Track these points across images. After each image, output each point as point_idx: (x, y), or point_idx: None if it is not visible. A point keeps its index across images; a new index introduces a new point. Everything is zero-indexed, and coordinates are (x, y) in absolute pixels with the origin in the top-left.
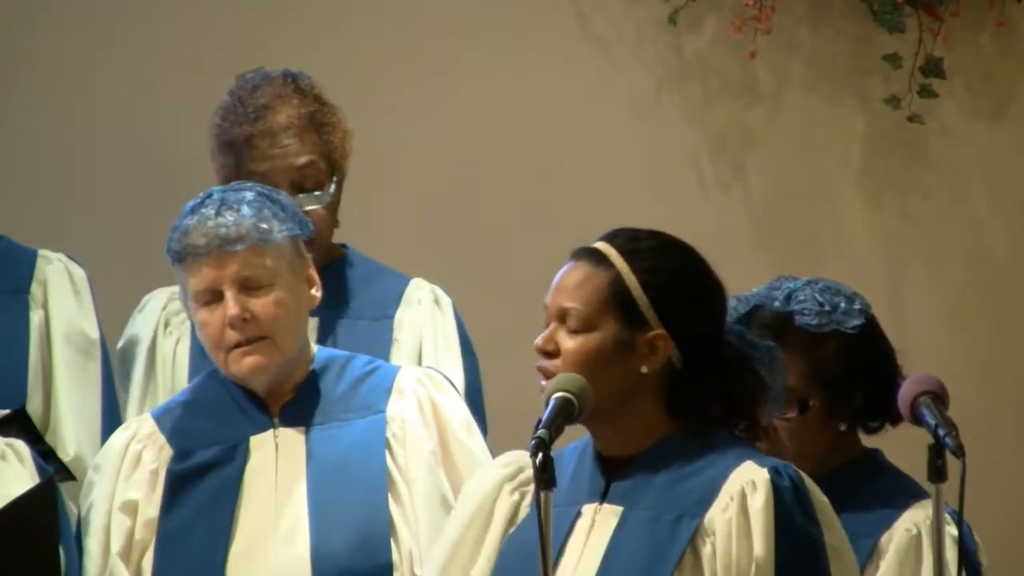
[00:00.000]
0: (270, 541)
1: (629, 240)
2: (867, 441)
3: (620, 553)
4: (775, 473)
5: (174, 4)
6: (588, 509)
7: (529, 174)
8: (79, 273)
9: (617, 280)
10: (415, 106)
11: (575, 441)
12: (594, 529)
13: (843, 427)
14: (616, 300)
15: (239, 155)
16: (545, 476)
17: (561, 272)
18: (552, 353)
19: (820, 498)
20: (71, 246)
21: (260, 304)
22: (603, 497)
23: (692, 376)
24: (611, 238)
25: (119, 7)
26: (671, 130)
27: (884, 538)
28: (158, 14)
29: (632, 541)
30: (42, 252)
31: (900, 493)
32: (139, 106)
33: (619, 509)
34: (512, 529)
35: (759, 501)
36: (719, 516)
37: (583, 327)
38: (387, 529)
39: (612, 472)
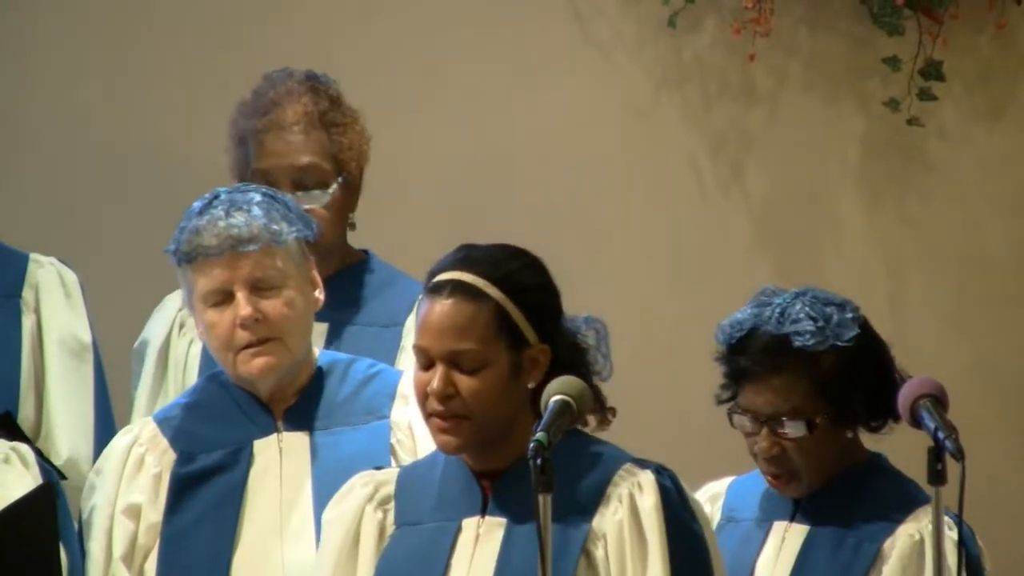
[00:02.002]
0: (275, 545)
1: (492, 266)
2: (869, 444)
3: (512, 564)
4: (658, 474)
5: (195, 4)
6: (469, 523)
7: (528, 176)
8: (71, 277)
9: (499, 310)
10: (414, 111)
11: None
12: (479, 543)
13: (849, 434)
14: (503, 330)
15: (246, 149)
16: (544, 479)
17: (435, 312)
18: (450, 396)
19: (693, 496)
20: (75, 248)
21: (271, 305)
22: (483, 511)
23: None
24: (470, 265)
25: (139, 7)
26: (670, 132)
27: (887, 543)
28: (177, 15)
29: (522, 551)
30: (33, 256)
31: (903, 498)
32: (150, 107)
33: (503, 521)
34: (385, 545)
35: (649, 501)
36: (610, 519)
37: (480, 365)
38: None
39: (487, 485)
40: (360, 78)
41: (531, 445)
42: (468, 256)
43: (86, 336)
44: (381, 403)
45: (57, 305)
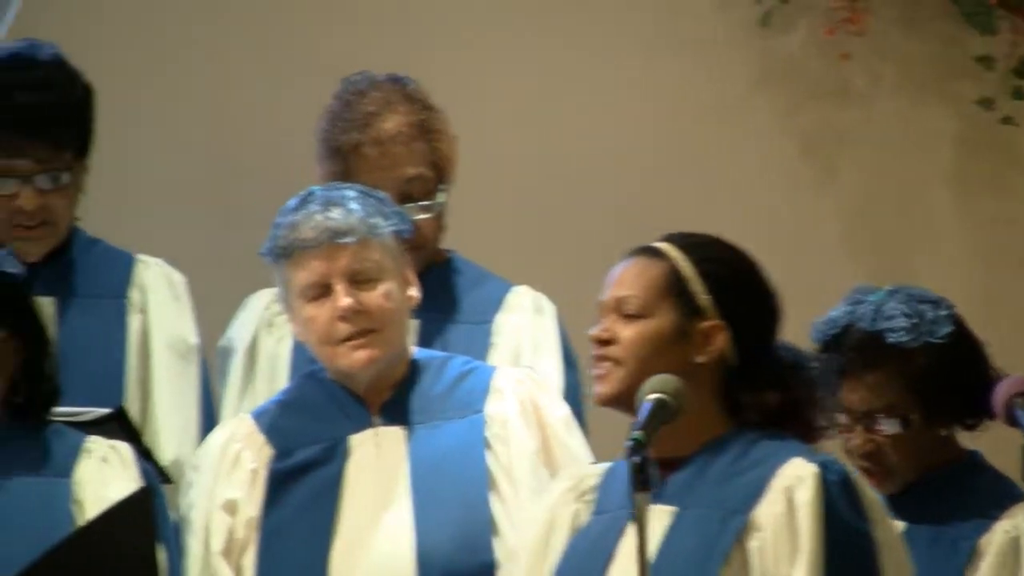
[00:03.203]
0: (372, 539)
1: (684, 236)
2: (965, 442)
3: (671, 552)
4: (823, 468)
5: (275, 6)
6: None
7: (620, 177)
8: (178, 278)
9: (673, 270)
10: (504, 110)
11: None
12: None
13: (944, 432)
14: (673, 288)
15: (347, 163)
16: (642, 477)
17: (616, 269)
18: (608, 341)
19: (869, 493)
20: (167, 250)
21: (369, 297)
22: (657, 499)
23: (748, 374)
24: (666, 237)
25: (220, 9)
26: (762, 132)
27: (983, 540)
28: (259, 17)
29: (683, 540)
30: (140, 257)
31: (999, 495)
32: (237, 110)
33: (672, 509)
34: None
35: (805, 495)
36: (766, 511)
37: (640, 313)
38: (489, 528)
39: (666, 474)
40: (441, 78)
41: (627, 443)
42: (672, 233)
43: (193, 338)
44: (476, 397)
45: (165, 306)
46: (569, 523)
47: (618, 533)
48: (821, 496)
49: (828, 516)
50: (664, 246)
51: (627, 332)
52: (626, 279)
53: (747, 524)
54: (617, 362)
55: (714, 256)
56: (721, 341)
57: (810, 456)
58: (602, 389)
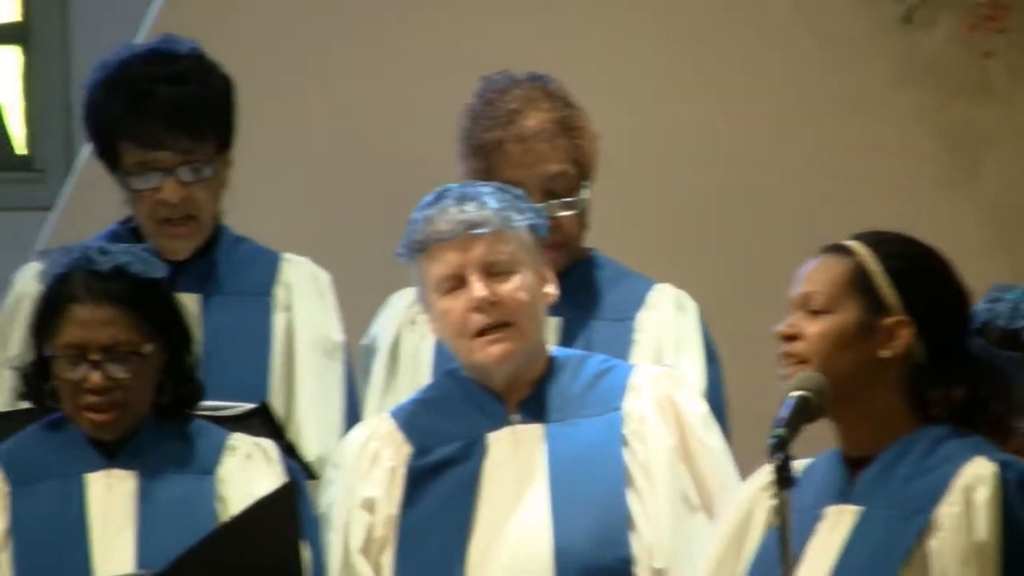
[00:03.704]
0: (510, 536)
1: (873, 234)
2: None
3: (854, 551)
4: (1003, 467)
5: (419, 5)
6: (831, 510)
7: (760, 175)
8: (324, 277)
9: (859, 266)
10: (642, 108)
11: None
12: (834, 529)
13: None
14: (858, 284)
15: (489, 160)
16: (784, 475)
17: (805, 265)
18: (793, 337)
19: None
20: (311, 248)
21: (504, 288)
22: (846, 498)
23: (935, 371)
24: (855, 235)
25: (360, 7)
26: (903, 129)
27: None
28: (398, 15)
29: (866, 540)
30: (286, 255)
31: None
32: (379, 108)
33: (858, 508)
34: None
35: (984, 494)
36: (946, 511)
37: (825, 309)
38: (626, 524)
39: (856, 473)
40: (579, 77)
41: (769, 441)
42: (861, 232)
43: (337, 335)
44: (614, 395)
45: (310, 304)
46: (765, 519)
47: (809, 532)
48: (999, 495)
49: (1006, 516)
50: (852, 243)
51: (812, 328)
52: (812, 276)
53: (929, 524)
54: (804, 360)
55: (902, 253)
56: (906, 337)
57: (991, 455)
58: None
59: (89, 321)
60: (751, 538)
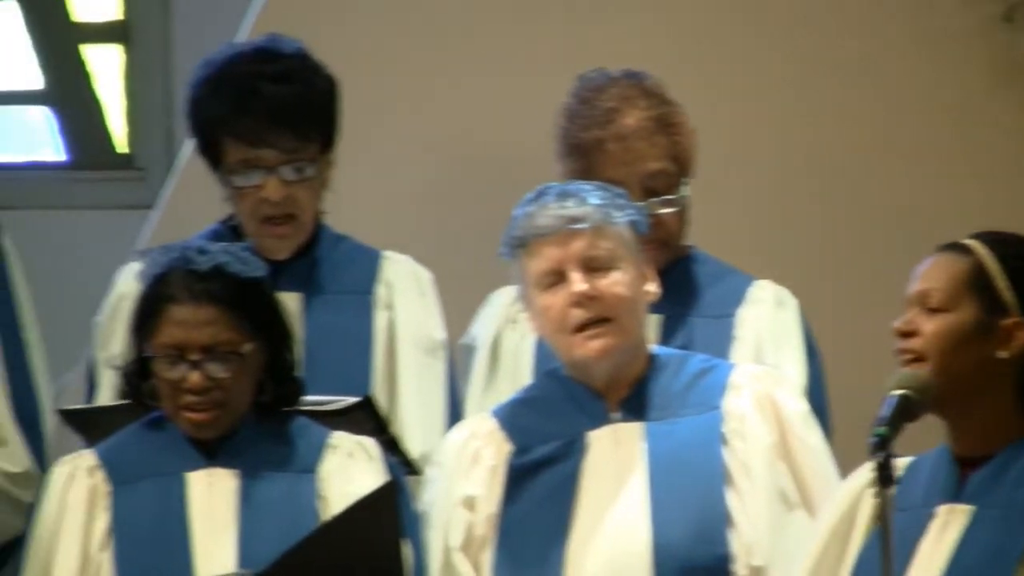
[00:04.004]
0: (609, 533)
1: (993, 234)
2: None
3: (967, 551)
4: None
5: (519, 5)
6: (942, 510)
7: (863, 174)
8: (425, 275)
9: (978, 265)
10: (746, 106)
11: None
12: (946, 529)
13: None
14: (976, 283)
15: (588, 159)
16: (885, 474)
17: (924, 262)
18: (910, 334)
19: None
20: (413, 247)
21: (604, 283)
22: (956, 497)
23: None
24: (975, 235)
25: (466, 9)
26: (1004, 130)
27: None
28: (499, 15)
29: (979, 540)
30: (386, 254)
31: None
32: (480, 107)
33: (971, 508)
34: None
35: None
36: None
37: (942, 307)
38: (725, 522)
39: (967, 472)
40: (680, 74)
41: (871, 440)
42: (980, 232)
43: (438, 334)
44: (714, 394)
45: (411, 302)
46: (869, 518)
47: (919, 532)
48: None
49: None
50: (971, 243)
51: (929, 326)
52: (931, 273)
53: None
54: (919, 358)
55: (1021, 254)
56: (1022, 336)
57: None
58: None
59: (188, 321)
60: (855, 537)
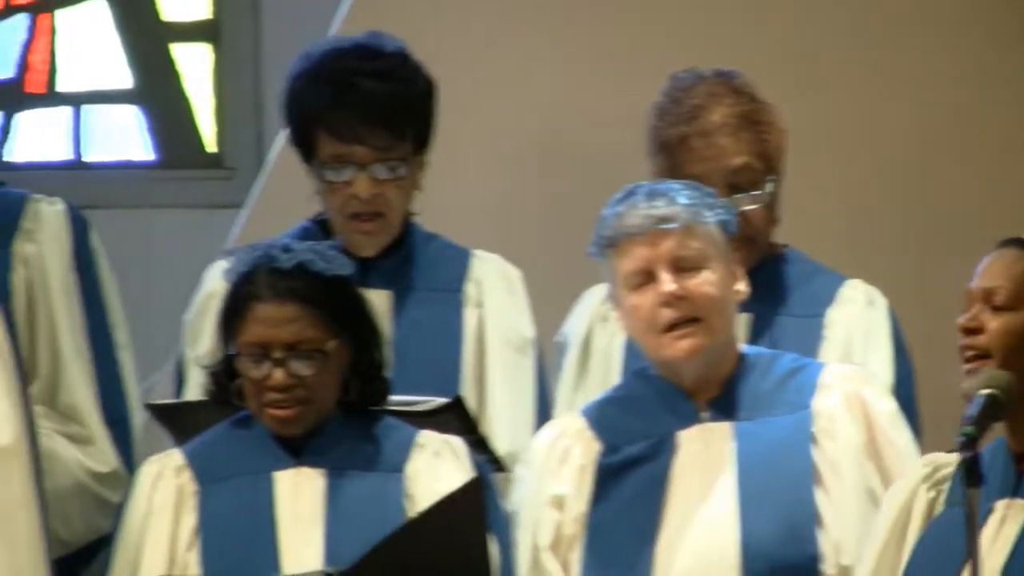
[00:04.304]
0: (697, 533)
1: None
2: None
3: None
4: None
5: (611, 4)
6: (1000, 505)
7: (949, 174)
8: (514, 273)
9: None
10: (829, 103)
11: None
12: (1005, 524)
13: None
14: None
15: (674, 156)
16: (974, 473)
17: (987, 259)
18: (975, 331)
19: None
20: (505, 246)
21: (693, 284)
22: (1015, 493)
23: None
24: None
25: (557, 10)
26: None
27: None
28: (591, 13)
29: None
30: (476, 252)
31: None
32: (572, 106)
33: None
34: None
35: None
36: None
37: (1009, 305)
38: (814, 521)
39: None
40: (789, 76)
41: (959, 439)
42: None
43: (528, 332)
44: (804, 394)
45: (501, 300)
46: (924, 511)
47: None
48: None
49: None
50: None
51: (995, 323)
52: (995, 269)
53: None
54: (985, 355)
55: None
56: None
57: None
58: (967, 385)
59: (271, 319)
60: (911, 532)
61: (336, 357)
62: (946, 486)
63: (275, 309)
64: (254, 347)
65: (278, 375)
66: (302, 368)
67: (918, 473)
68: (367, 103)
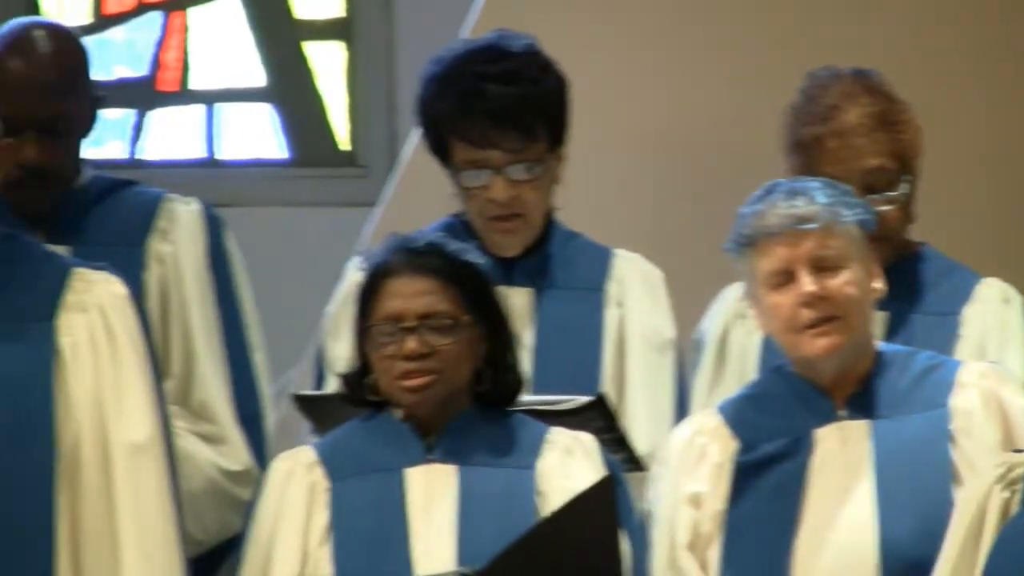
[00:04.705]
0: (835, 532)
1: None
2: None
3: None
4: None
5: (749, 3)
6: None
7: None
8: (656, 273)
9: None
10: (970, 102)
11: None
12: None
13: None
14: None
15: (809, 155)
16: None
17: None
18: None
19: None
20: (646, 245)
21: (833, 283)
22: None
23: None
24: None
25: (697, 8)
26: None
27: None
28: (734, 13)
29: None
30: (618, 251)
31: None
32: (711, 104)
33: None
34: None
35: None
36: None
37: None
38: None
39: None
40: (919, 75)
41: None
42: None
43: (669, 332)
44: (941, 392)
45: (641, 300)
46: (999, 512)
47: None
48: None
49: None
50: None
51: None
52: None
53: None
54: None
55: None
56: None
57: None
58: None
59: (405, 292)
60: (987, 534)
61: (468, 335)
62: (1020, 486)
63: (409, 282)
64: (388, 320)
65: (411, 343)
66: (435, 338)
67: (992, 474)
68: (496, 108)
